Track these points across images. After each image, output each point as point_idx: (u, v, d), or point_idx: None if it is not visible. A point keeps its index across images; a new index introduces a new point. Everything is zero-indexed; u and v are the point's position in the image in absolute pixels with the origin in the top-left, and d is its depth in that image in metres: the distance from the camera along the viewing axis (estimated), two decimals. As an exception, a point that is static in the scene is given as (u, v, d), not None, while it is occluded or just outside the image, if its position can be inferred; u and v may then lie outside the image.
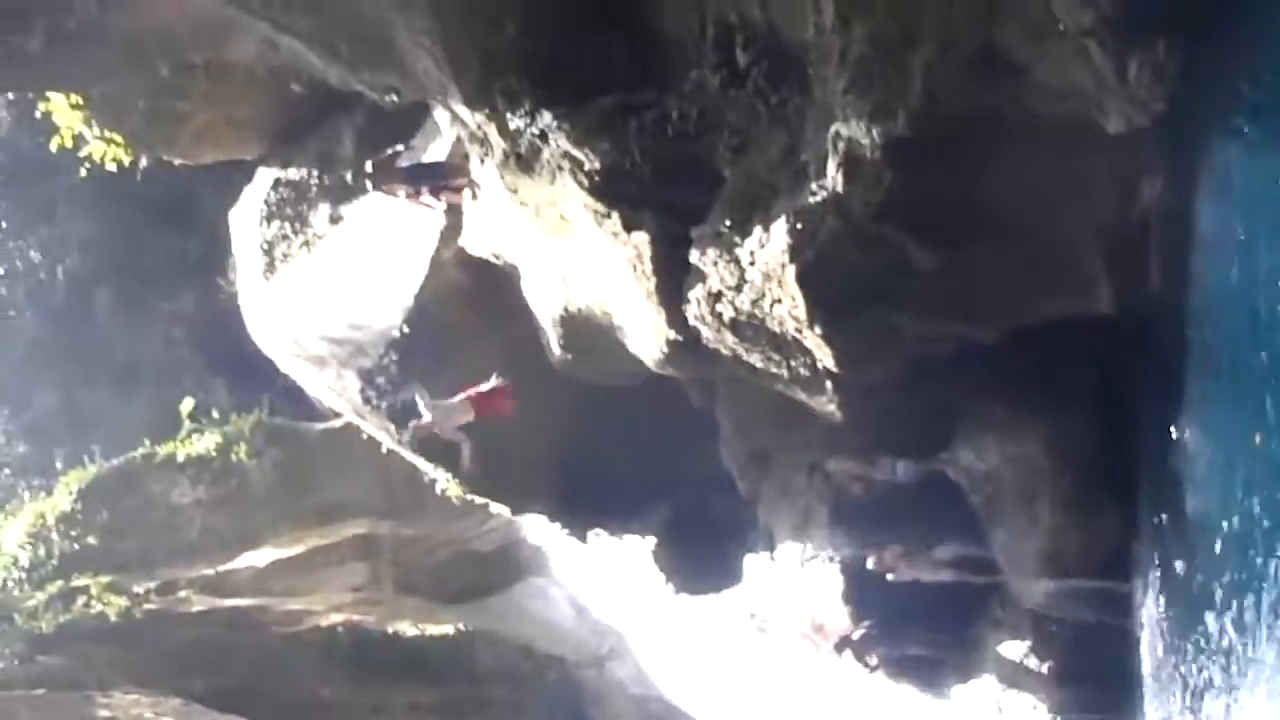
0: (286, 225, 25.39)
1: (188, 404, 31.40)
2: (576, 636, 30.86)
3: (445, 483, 26.02)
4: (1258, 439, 12.47)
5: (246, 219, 26.62)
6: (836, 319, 15.63)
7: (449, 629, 29.04)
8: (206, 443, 30.58)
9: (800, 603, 23.94)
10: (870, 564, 21.12)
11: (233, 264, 28.28)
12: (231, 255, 27.96)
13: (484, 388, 20.83)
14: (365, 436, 27.31)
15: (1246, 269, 12.33)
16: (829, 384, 16.78)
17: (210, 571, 29.36)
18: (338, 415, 28.85)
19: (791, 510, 22.34)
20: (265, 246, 25.69)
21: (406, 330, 23.01)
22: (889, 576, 20.97)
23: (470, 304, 22.99)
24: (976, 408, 18.67)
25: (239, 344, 27.86)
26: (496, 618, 30.55)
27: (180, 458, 30.35)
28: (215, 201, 29.34)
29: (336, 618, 28.68)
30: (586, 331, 20.41)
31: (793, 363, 16.87)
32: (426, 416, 20.45)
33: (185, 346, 34.65)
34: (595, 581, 31.21)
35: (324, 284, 24.44)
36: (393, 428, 23.72)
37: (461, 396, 20.67)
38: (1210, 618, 14.63)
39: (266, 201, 25.81)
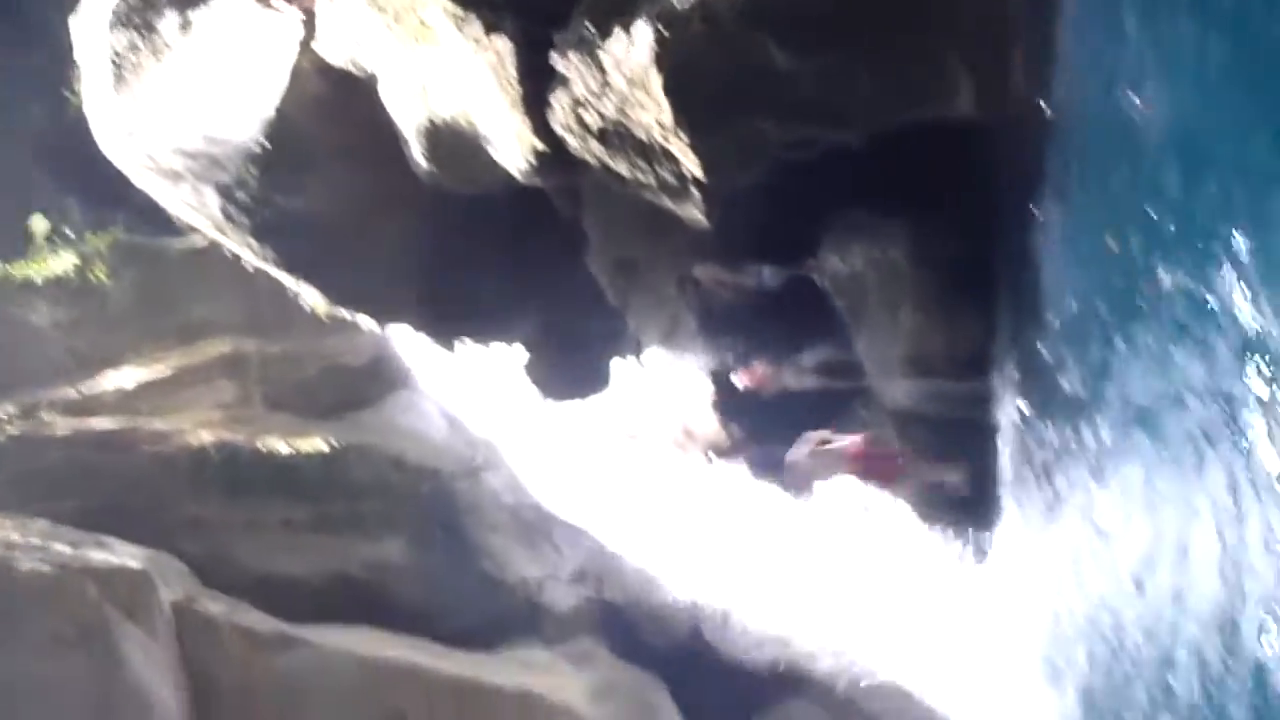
0: (134, 34, 24.17)
1: (40, 223, 30.36)
2: (449, 448, 30.93)
3: (311, 298, 25.66)
4: (1112, 243, 12.73)
5: (91, 28, 25.31)
6: (703, 126, 15.50)
7: (320, 444, 28.94)
8: (63, 263, 29.70)
9: (669, 409, 24.22)
10: (737, 381, 21.36)
11: (79, 76, 26.98)
12: (77, 67, 26.66)
13: (876, 449, 19.69)
14: (227, 253, 26.67)
15: (1109, 70, 12.40)
16: (696, 192, 16.71)
17: (74, 393, 28.84)
18: (197, 232, 28.07)
19: (660, 318, 22.42)
20: (113, 58, 24.48)
21: (266, 144, 22.33)
22: (756, 387, 21.26)
23: (331, 115, 22.35)
24: (843, 213, 18.75)
25: (90, 161, 26.76)
26: (368, 432, 30.49)
27: (37, 280, 29.46)
28: (56, 8, 27.82)
29: (206, 436, 28.43)
30: (450, 141, 20.02)
31: (660, 171, 16.75)
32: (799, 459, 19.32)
33: (33, 165, 33.26)
34: (466, 392, 31.17)
35: (177, 95, 23.49)
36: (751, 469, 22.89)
37: (849, 444, 19.75)
38: (1063, 415, 15.13)
39: (113, 10, 24.53)
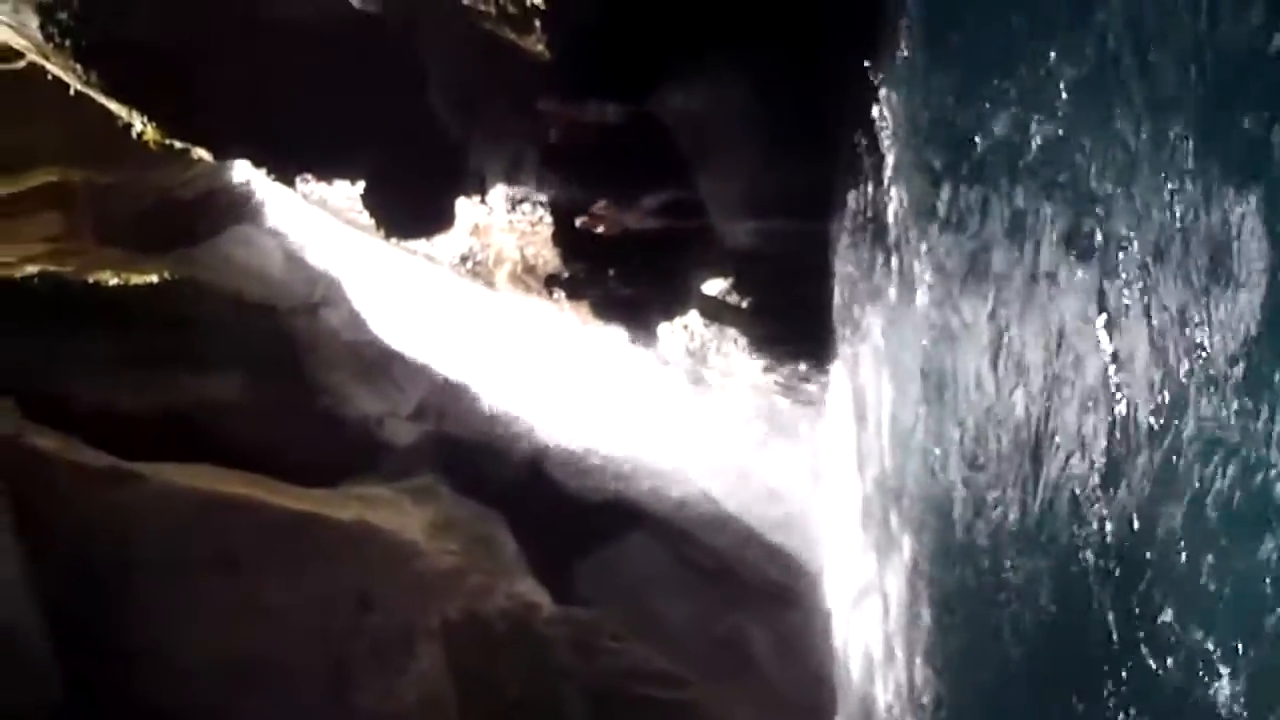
0: None
1: None
2: (287, 284, 30.42)
3: (142, 126, 24.74)
4: (950, 84, 12.91)
5: None
6: (544, -47, 15.19)
7: (153, 278, 28.25)
8: None
9: (511, 245, 24.09)
10: (579, 223, 21.27)
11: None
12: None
13: None
14: (50, 77, 25.47)
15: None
16: (537, 22, 16.44)
17: (-114, 223, 27.61)
18: (18, 55, 26.73)
19: (502, 153, 22.16)
20: None
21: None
22: (598, 229, 21.22)
23: (161, -67, 21.36)
24: (686, 50, 18.62)
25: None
26: (204, 267, 29.81)
27: None
28: None
29: (31, 269, 27.54)
30: (285, -36, 19.34)
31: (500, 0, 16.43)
32: None
33: None
34: (306, 227, 30.55)
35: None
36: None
37: None
38: (894, 250, 15.46)
39: None
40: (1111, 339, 8.51)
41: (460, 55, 20.62)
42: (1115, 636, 8.41)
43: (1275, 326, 6.46)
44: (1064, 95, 9.40)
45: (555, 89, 19.82)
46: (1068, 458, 9.33)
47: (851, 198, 17.75)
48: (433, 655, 25.10)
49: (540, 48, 16.98)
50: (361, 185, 25.44)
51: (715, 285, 21.90)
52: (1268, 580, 6.57)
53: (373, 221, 25.75)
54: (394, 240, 26.93)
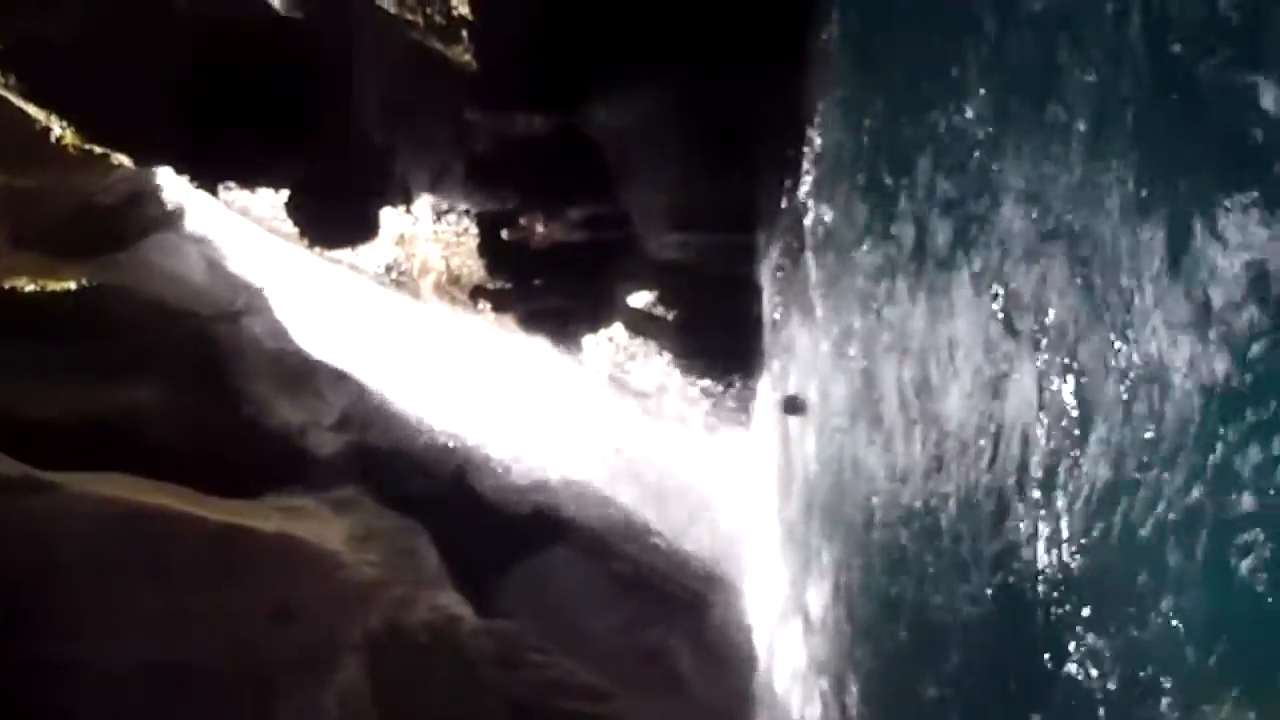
0: None
1: None
2: (209, 292, 30.05)
3: (61, 131, 24.37)
4: (867, 123, 13.07)
5: None
6: (472, -36, 15.20)
7: (72, 284, 27.81)
8: None
9: (436, 255, 24.04)
10: (505, 234, 21.28)
11: None
12: None
13: None
14: (-36, 79, 25.06)
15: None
16: (465, 33, 16.44)
17: None
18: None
19: (428, 163, 22.09)
20: None
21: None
22: (524, 241, 21.29)
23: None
24: (615, 63, 18.69)
25: None
26: (124, 273, 29.37)
27: None
28: None
29: (-56, 275, 27.05)
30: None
31: (428, 10, 16.42)
32: None
33: None
34: (229, 235, 30.26)
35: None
36: None
37: None
38: (820, 261, 15.61)
39: None
40: (1037, 349, 8.65)
41: (387, 64, 20.55)
42: (1038, 649, 8.52)
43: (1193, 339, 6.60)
44: (985, 113, 9.55)
45: (482, 100, 19.81)
46: (993, 468, 9.45)
47: (776, 211, 17.89)
48: (355, 667, 24.84)
49: (468, 59, 16.99)
50: (285, 193, 25.24)
51: (641, 298, 22.00)
52: (1193, 595, 6.71)
53: (296, 230, 25.54)
54: (318, 249, 26.74)
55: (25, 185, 28.78)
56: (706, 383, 22.61)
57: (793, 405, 15.61)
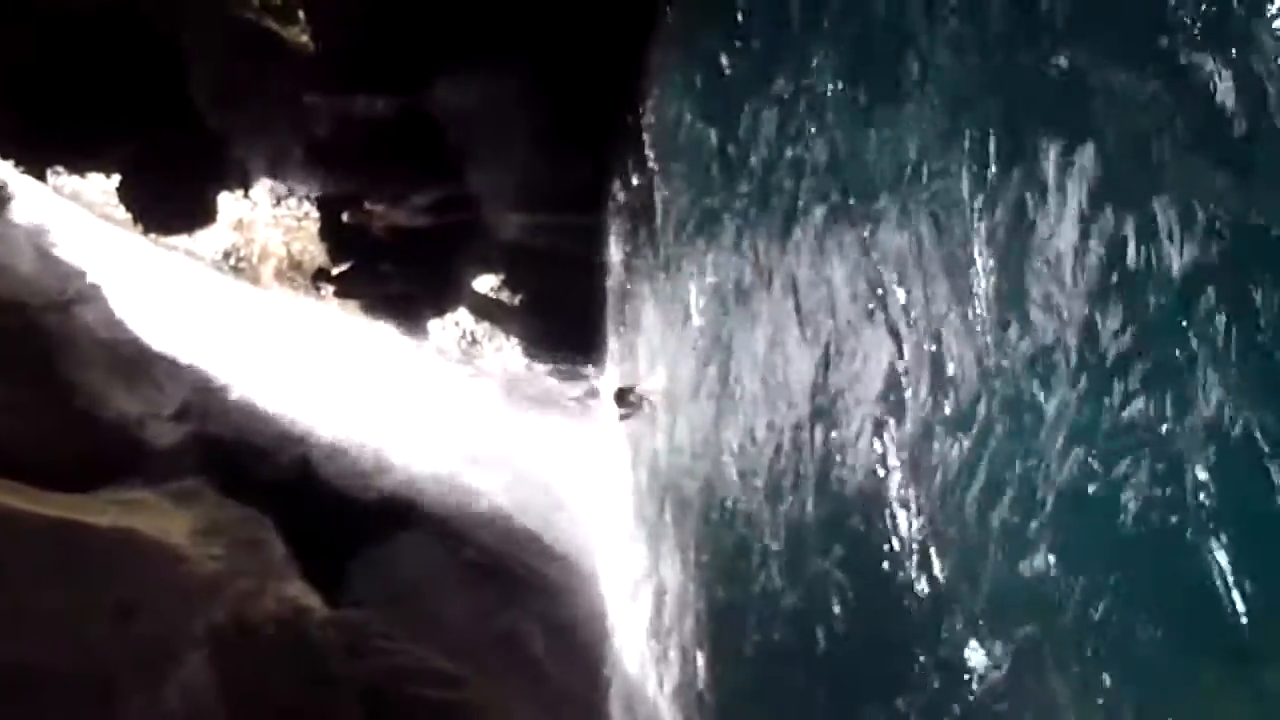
0: None
1: None
2: (38, 280, 29.07)
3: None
4: (716, 78, 13.13)
5: None
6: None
7: (-109, 274, 26.74)
8: None
9: (276, 240, 23.60)
10: (347, 218, 20.98)
11: None
12: None
13: None
14: None
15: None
16: (301, 13, 16.12)
17: None
18: None
19: (267, 146, 21.65)
20: None
21: None
22: (368, 226, 21.03)
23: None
24: (458, 43, 18.53)
25: None
26: (-54, 263, 28.32)
27: None
28: None
29: None
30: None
31: (263, -13, 16.05)
32: None
33: None
34: (58, 222, 29.30)
35: None
36: None
37: None
38: (664, 242, 15.66)
39: None
40: (889, 329, 8.76)
41: (221, 45, 20.05)
42: (891, 630, 8.66)
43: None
44: (829, 98, 9.65)
45: (321, 82, 19.47)
46: (845, 447, 9.57)
47: (620, 191, 17.91)
48: (199, 664, 24.27)
49: (305, 39, 16.64)
50: (117, 178, 24.55)
51: (486, 281, 21.86)
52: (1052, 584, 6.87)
53: (129, 216, 24.87)
54: (152, 235, 26.06)
55: None
56: (554, 366, 22.57)
57: (624, 400, 15.57)
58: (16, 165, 25.22)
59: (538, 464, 24.57)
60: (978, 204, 7.17)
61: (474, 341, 22.77)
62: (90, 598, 24.18)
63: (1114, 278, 6.29)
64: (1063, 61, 6.37)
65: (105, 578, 24.56)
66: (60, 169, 25.95)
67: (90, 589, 24.28)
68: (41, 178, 26.30)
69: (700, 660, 15.31)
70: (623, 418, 16.12)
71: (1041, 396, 6.57)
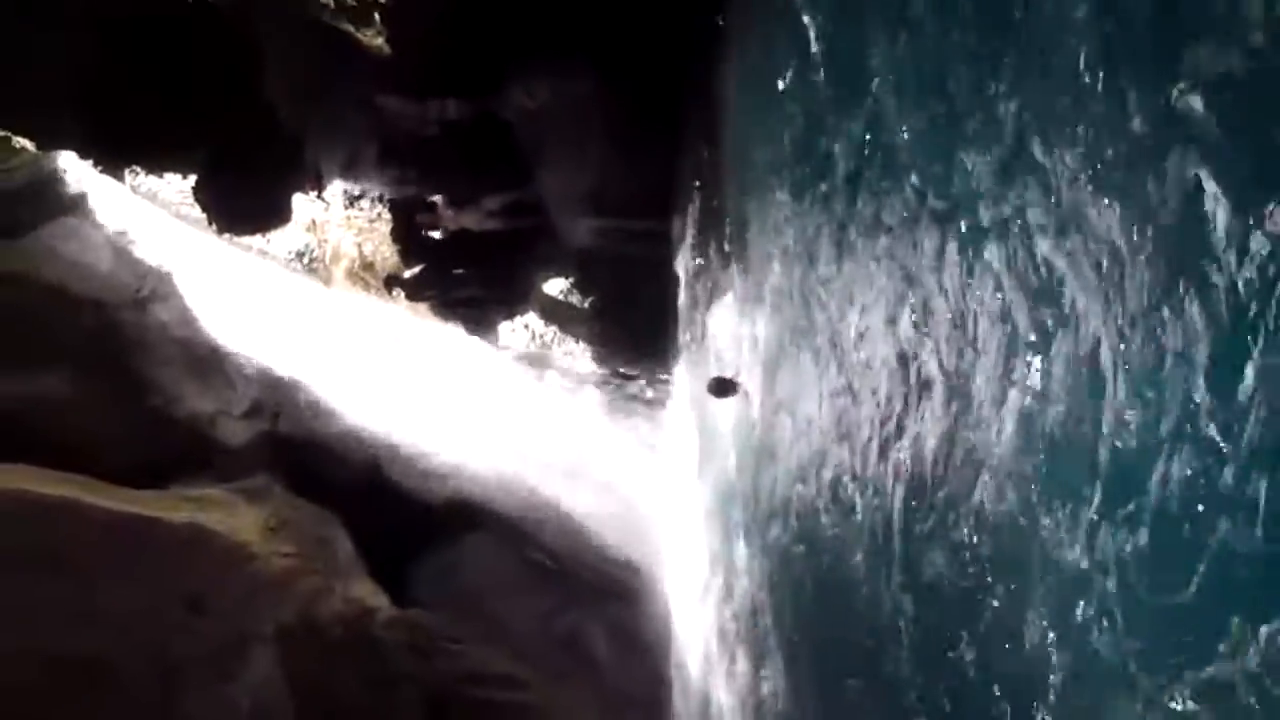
0: None
1: None
2: (115, 278, 29.46)
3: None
4: (780, 84, 13.03)
5: None
6: (385, -55, 14.98)
7: (-30, 270, 27.18)
8: None
9: (349, 241, 23.76)
10: (419, 219, 21.12)
11: None
12: None
13: None
14: None
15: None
16: (377, 15, 16.22)
17: None
18: None
19: (340, 148, 21.83)
20: None
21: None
22: (438, 228, 21.14)
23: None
24: (530, 46, 18.57)
25: None
26: (25, 259, 28.71)
27: None
28: None
29: None
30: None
31: (339, -9, 16.16)
32: None
33: None
34: (135, 220, 29.67)
35: None
36: None
37: None
38: (736, 251, 15.56)
39: None
40: (949, 349, 8.63)
41: (298, 47, 20.23)
42: (951, 642, 8.53)
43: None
44: (910, 106, 9.52)
45: (396, 85, 19.59)
46: (912, 458, 9.44)
47: (690, 195, 17.86)
48: (267, 661, 24.48)
49: (380, 42, 16.73)
50: (193, 178, 24.81)
51: (556, 285, 21.89)
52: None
53: (204, 215, 25.14)
54: (227, 235, 26.33)
55: (-78, 169, 28.12)
56: (622, 368, 22.55)
57: (722, 387, 15.44)
58: (95, 165, 25.56)
59: (604, 466, 24.57)
60: (1062, 224, 7.02)
61: (543, 344, 22.80)
62: (161, 593, 24.43)
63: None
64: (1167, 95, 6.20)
65: (176, 573, 24.81)
66: (138, 169, 26.26)
67: (161, 584, 24.53)
68: (119, 178, 26.63)
69: (764, 671, 15.22)
70: (717, 394, 15.87)
71: (1156, 421, 6.39)
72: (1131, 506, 6.28)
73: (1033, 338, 7.24)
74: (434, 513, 27.91)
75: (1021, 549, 7.37)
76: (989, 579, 7.94)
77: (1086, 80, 6.65)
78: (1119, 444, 6.36)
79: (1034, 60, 7.28)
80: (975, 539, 8.09)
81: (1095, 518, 6.54)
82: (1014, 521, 7.51)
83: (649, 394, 22.51)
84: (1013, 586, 7.58)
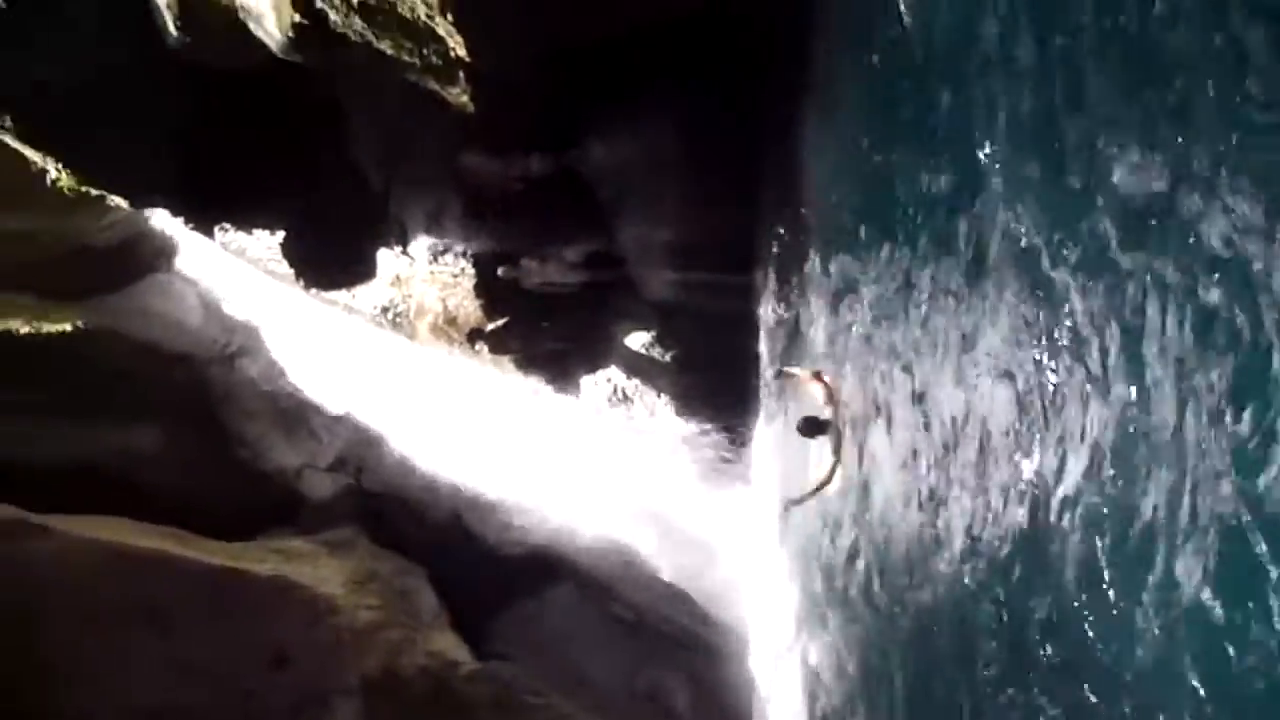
0: None
1: None
2: (204, 333, 30.04)
3: (57, 173, 24.36)
4: (864, 144, 13.01)
5: None
6: (470, 6, 15.20)
7: (66, 326, 27.78)
8: None
9: (433, 296, 23.98)
10: (501, 273, 21.28)
11: None
12: None
13: None
14: (-42, 121, 25.02)
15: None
16: (461, 74, 16.42)
17: None
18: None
19: (424, 204, 22.10)
20: None
21: (3, 6, 20.97)
22: (521, 282, 21.28)
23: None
24: (610, 103, 18.70)
25: None
26: (118, 315, 29.34)
27: None
28: None
29: (-60, 317, 27.02)
30: (206, 13, 19.15)
31: (425, 51, 16.41)
32: None
33: None
34: (225, 276, 30.22)
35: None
36: None
37: None
38: (819, 307, 15.50)
39: None
40: (1040, 412, 8.52)
41: (383, 105, 20.55)
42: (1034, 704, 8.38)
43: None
44: (988, 156, 9.47)
45: (480, 142, 19.81)
46: (999, 533, 9.29)
47: (778, 249, 17.83)
48: (350, 714, 24.63)
49: (465, 99, 16.95)
50: (281, 234, 25.22)
51: (638, 338, 21.91)
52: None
53: (292, 271, 25.52)
54: (314, 291, 26.70)
55: (20, 227, 28.80)
56: (705, 422, 22.49)
57: (813, 427, 15.27)
58: (187, 223, 26.07)
59: (687, 520, 24.47)
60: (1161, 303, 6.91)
61: (625, 398, 22.81)
62: (247, 645, 24.67)
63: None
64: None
65: (262, 625, 25.04)
66: (228, 226, 26.75)
67: (247, 636, 24.77)
68: (208, 233, 27.14)
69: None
70: (807, 434, 15.64)
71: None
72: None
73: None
74: (516, 565, 27.97)
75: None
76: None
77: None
78: None
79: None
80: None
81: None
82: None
83: (731, 446, 22.42)
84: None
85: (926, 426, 11.01)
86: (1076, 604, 7.73)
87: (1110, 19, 7.50)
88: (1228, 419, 6.22)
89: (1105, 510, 7.38)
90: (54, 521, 24.45)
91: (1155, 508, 6.82)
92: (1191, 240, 6.51)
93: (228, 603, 24.76)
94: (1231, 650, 6.16)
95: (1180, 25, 6.79)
